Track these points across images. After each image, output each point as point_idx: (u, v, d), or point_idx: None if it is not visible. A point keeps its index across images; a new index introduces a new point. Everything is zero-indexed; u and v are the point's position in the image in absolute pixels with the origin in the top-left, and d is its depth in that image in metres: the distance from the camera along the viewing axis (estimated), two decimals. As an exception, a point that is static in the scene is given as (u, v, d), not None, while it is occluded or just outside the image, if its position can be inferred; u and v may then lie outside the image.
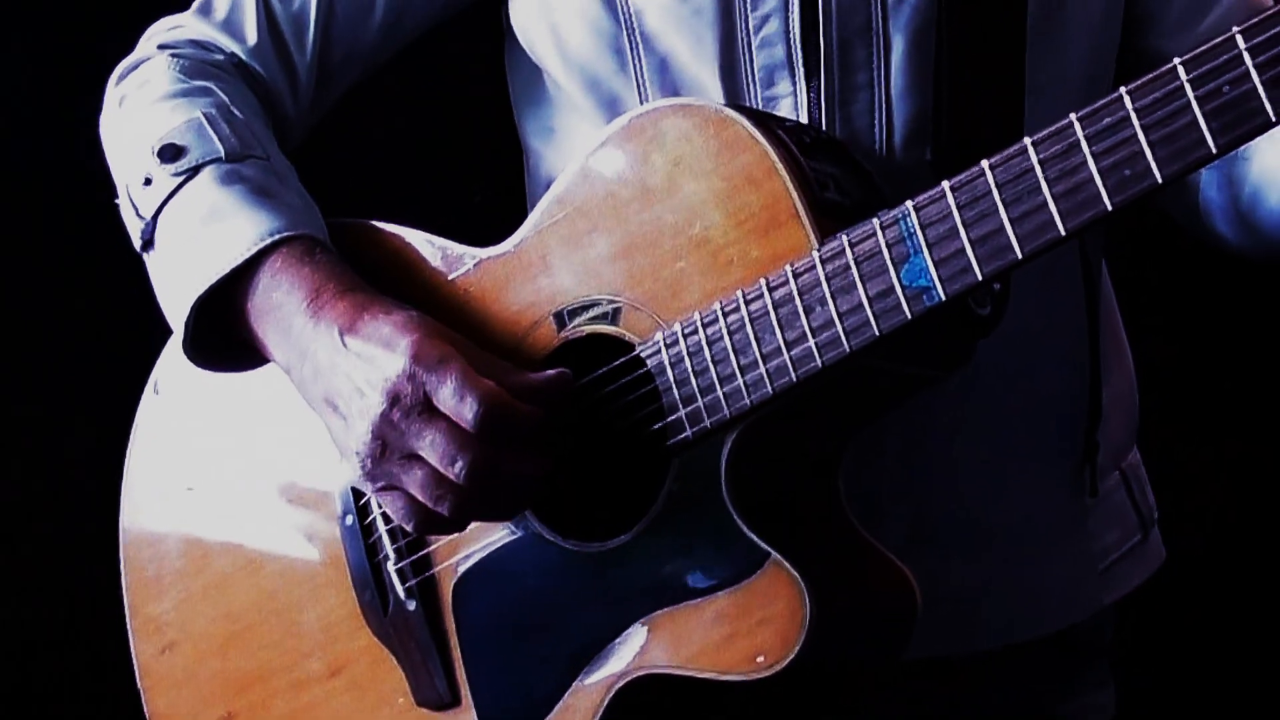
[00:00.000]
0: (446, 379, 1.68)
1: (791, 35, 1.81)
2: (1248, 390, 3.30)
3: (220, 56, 1.98)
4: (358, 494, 1.90)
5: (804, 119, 1.81)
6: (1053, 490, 1.99)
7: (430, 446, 1.68)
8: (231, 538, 2.00)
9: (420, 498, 1.70)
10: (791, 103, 1.82)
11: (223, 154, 1.87)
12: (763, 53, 1.82)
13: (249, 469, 2.00)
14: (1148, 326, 2.21)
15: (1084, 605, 2.03)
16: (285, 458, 1.97)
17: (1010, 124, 1.77)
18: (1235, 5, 1.92)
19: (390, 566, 1.88)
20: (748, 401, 1.67)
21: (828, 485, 1.76)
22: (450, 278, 1.85)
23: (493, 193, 2.17)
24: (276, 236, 1.81)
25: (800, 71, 1.82)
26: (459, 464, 1.67)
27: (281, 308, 1.80)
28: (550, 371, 1.74)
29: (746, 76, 1.83)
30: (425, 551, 1.87)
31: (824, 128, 1.81)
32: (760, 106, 1.83)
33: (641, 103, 1.87)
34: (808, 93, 1.82)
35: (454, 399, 1.67)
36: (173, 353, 2.01)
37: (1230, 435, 3.30)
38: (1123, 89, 1.49)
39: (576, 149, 1.85)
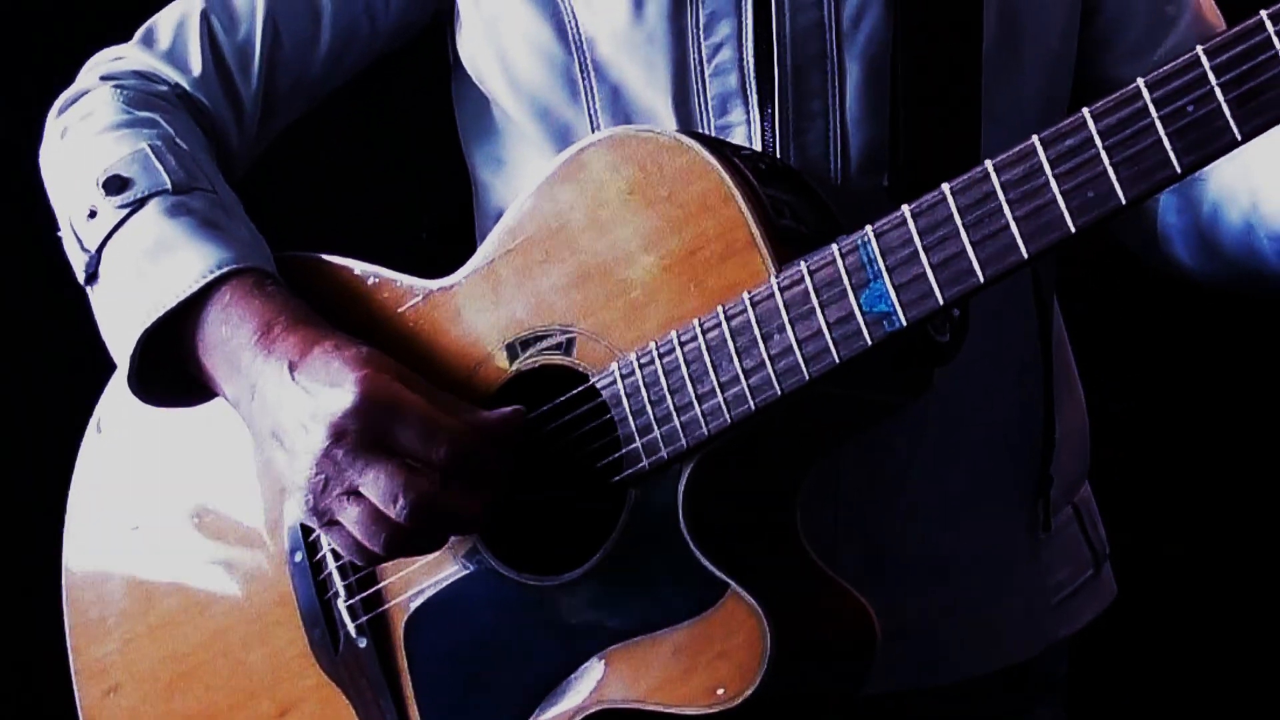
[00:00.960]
0: (409, 416, 1.66)
1: (745, 63, 1.79)
2: (1198, 424, 3.30)
3: (164, 87, 1.95)
4: (306, 530, 1.87)
5: (758, 147, 1.80)
6: (1007, 524, 1.97)
7: (372, 484, 1.66)
8: (178, 577, 1.97)
9: (356, 534, 1.68)
10: (745, 131, 1.80)
11: (169, 186, 1.84)
12: (716, 80, 1.81)
13: (195, 507, 1.96)
14: (1097, 360, 2.20)
15: (1038, 640, 2.01)
16: (232, 495, 1.94)
17: (967, 151, 1.76)
18: (1190, 31, 1.92)
19: (340, 603, 1.85)
20: (705, 431, 1.64)
21: (785, 517, 1.74)
22: (400, 310, 1.82)
23: (440, 225, 2.15)
24: (226, 269, 1.78)
25: (754, 99, 1.80)
26: (400, 502, 1.64)
27: (230, 341, 1.77)
28: (504, 410, 1.71)
29: (700, 104, 1.82)
30: (376, 588, 1.84)
31: (778, 155, 1.80)
32: (714, 134, 1.81)
33: (594, 131, 1.85)
34: (762, 120, 1.80)
35: (419, 437, 1.65)
36: (116, 390, 1.98)
37: (1180, 467, 3.29)
38: (1085, 110, 1.48)
39: (526, 180, 1.83)
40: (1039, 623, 2.00)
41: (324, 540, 1.84)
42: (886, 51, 1.79)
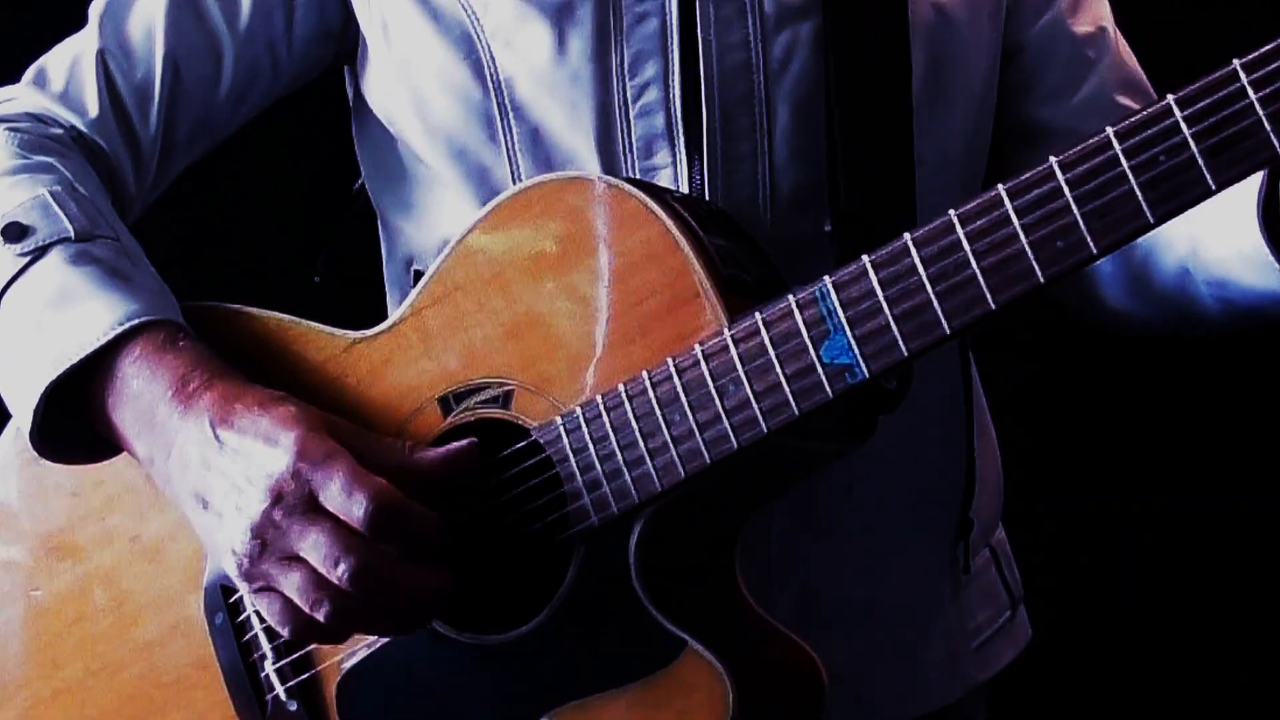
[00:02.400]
0: (333, 475, 1.59)
1: (672, 104, 1.76)
2: (1107, 468, 3.33)
3: (59, 130, 1.87)
4: (226, 590, 1.80)
5: (685, 190, 1.76)
6: (931, 567, 1.97)
7: (313, 547, 1.59)
8: (84, 641, 1.89)
9: (297, 601, 1.61)
10: (671, 173, 1.77)
11: (72, 233, 1.76)
12: (642, 121, 1.77)
13: (101, 568, 1.88)
14: (1006, 401, 2.20)
15: (960, 683, 2.01)
16: (142, 554, 1.86)
17: (904, 194, 1.75)
18: (1110, 74, 1.92)
19: (269, 665, 1.79)
20: (658, 486, 1.61)
21: (727, 567, 1.72)
22: (320, 362, 1.76)
23: (332, 269, 2.09)
24: (135, 321, 1.71)
25: (681, 141, 1.76)
26: (342, 566, 1.58)
27: (142, 397, 1.70)
28: (459, 443, 1.66)
29: (624, 146, 1.78)
30: (307, 649, 1.77)
31: (706, 198, 1.76)
32: (638, 177, 1.77)
33: (512, 173, 1.81)
34: (689, 163, 1.76)
35: (341, 496, 1.58)
36: (9, 449, 1.89)
37: (1090, 511, 3.32)
38: (1053, 160, 1.46)
39: (443, 223, 1.81)
40: (961, 666, 2.00)
41: (248, 602, 1.77)
42: (814, 93, 1.77)
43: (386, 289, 2.01)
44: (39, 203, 1.77)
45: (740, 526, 1.73)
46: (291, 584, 1.61)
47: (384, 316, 1.76)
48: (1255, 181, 1.58)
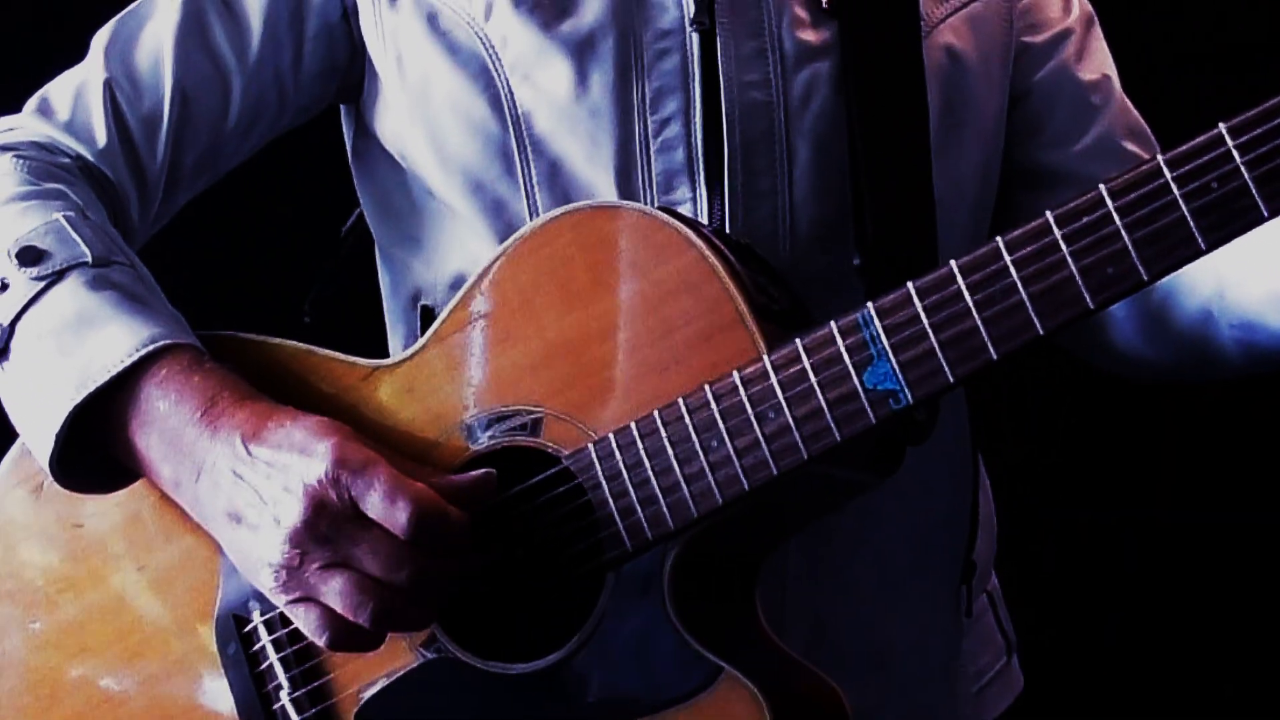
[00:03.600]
0: (374, 483, 1.59)
1: (693, 139, 1.77)
2: (1106, 482, 3.35)
3: (66, 159, 1.86)
4: (240, 620, 1.77)
5: None
6: (938, 610, 1.98)
7: (369, 554, 1.59)
8: (87, 675, 1.86)
9: (338, 608, 1.60)
10: (691, 208, 1.78)
11: (89, 258, 1.74)
12: (662, 157, 1.77)
13: (105, 600, 1.85)
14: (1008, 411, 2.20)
15: None
16: (149, 586, 1.84)
17: (926, 231, 1.77)
18: (1116, 121, 1.94)
19: (284, 696, 1.76)
20: (694, 513, 1.61)
21: (749, 599, 1.72)
22: (341, 390, 1.75)
23: (323, 306, 2.07)
24: (161, 343, 1.70)
25: (701, 176, 1.77)
26: (405, 571, 1.58)
27: (169, 419, 1.68)
28: (475, 472, 1.65)
29: (644, 180, 1.78)
30: (324, 679, 1.76)
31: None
32: None
33: (530, 207, 1.81)
34: (709, 199, 1.76)
35: (384, 503, 1.58)
36: (7, 479, 1.86)
37: (1087, 524, 3.33)
38: (1101, 186, 1.47)
39: (454, 258, 1.82)
40: (964, 710, 2.01)
41: (263, 632, 1.76)
42: (834, 131, 1.79)
43: (389, 326, 2.00)
44: (54, 227, 1.75)
45: (764, 558, 1.73)
46: (334, 591, 1.60)
47: (380, 354, 1.76)
48: None
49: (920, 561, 1.93)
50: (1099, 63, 1.97)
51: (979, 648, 2.03)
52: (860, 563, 1.88)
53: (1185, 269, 1.69)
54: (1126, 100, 1.99)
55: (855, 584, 1.88)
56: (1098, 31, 2.00)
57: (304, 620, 1.64)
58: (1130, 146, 1.94)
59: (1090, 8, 2.01)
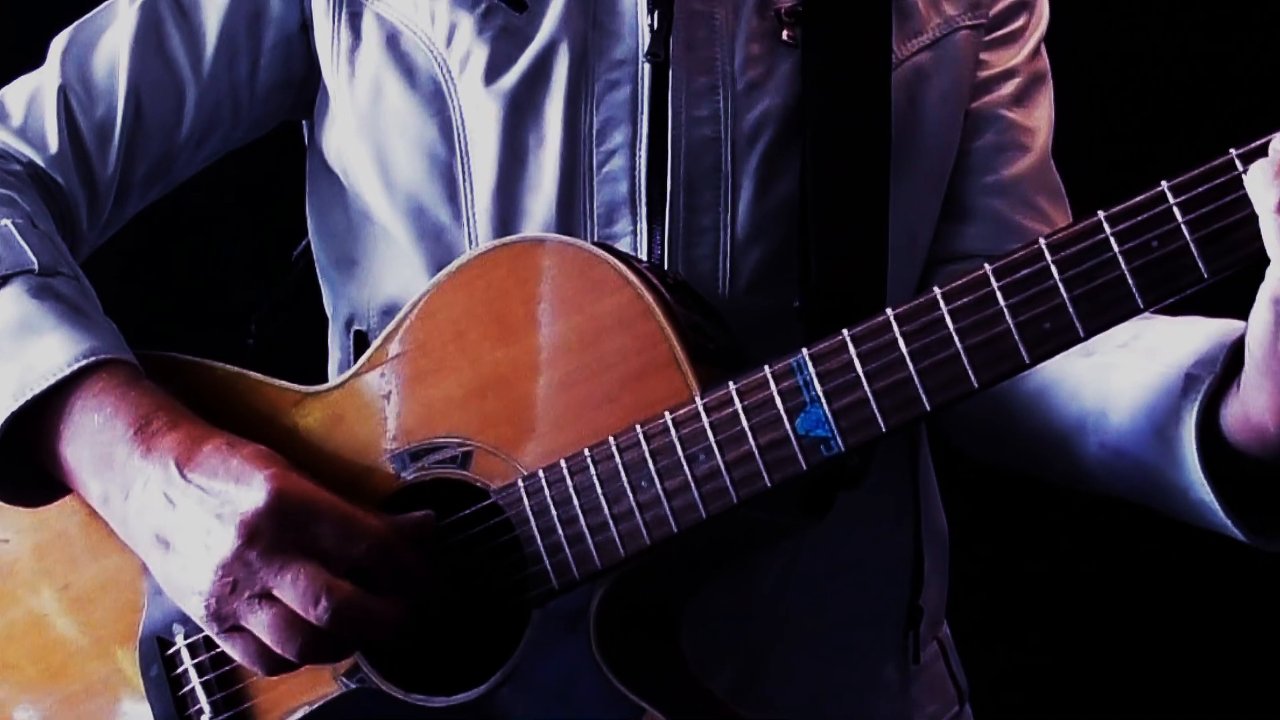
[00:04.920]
0: (323, 517, 1.58)
1: (637, 173, 1.74)
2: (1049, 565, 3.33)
3: (17, 166, 1.84)
4: (163, 643, 1.75)
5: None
6: (879, 655, 1.94)
7: (290, 586, 1.56)
8: (9, 692, 1.83)
9: (266, 639, 1.58)
10: (631, 242, 1.75)
11: (35, 267, 1.72)
12: (605, 188, 1.75)
13: (29, 616, 1.83)
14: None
15: None
16: (72, 604, 1.81)
17: (875, 274, 1.74)
18: (1033, 172, 1.91)
19: None
20: (622, 553, 1.59)
21: (673, 639, 1.70)
22: (270, 415, 1.73)
23: (266, 327, 2.05)
24: (98, 357, 1.68)
25: (643, 210, 1.75)
26: (323, 604, 1.55)
27: (101, 434, 1.66)
28: (415, 514, 1.63)
29: (584, 211, 1.76)
30: (245, 706, 1.74)
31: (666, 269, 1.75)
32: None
33: (469, 234, 1.79)
34: (649, 233, 1.74)
35: (336, 535, 1.57)
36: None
37: (1034, 604, 3.31)
38: (1041, 240, 1.45)
39: (386, 284, 1.81)
40: None
41: (186, 655, 1.74)
42: (780, 170, 1.76)
43: (330, 349, 1.98)
44: (2, 233, 1.73)
45: (691, 598, 1.71)
46: (261, 624, 1.58)
47: (322, 379, 1.74)
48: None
49: (859, 604, 1.90)
50: (1036, 116, 1.92)
51: (926, 697, 1.98)
52: (790, 604, 1.85)
53: (1075, 369, 1.67)
54: (1051, 162, 1.94)
55: (783, 628, 1.85)
56: (1047, 90, 1.95)
57: (238, 650, 1.62)
58: (1041, 202, 1.89)
59: (1047, 67, 1.96)
